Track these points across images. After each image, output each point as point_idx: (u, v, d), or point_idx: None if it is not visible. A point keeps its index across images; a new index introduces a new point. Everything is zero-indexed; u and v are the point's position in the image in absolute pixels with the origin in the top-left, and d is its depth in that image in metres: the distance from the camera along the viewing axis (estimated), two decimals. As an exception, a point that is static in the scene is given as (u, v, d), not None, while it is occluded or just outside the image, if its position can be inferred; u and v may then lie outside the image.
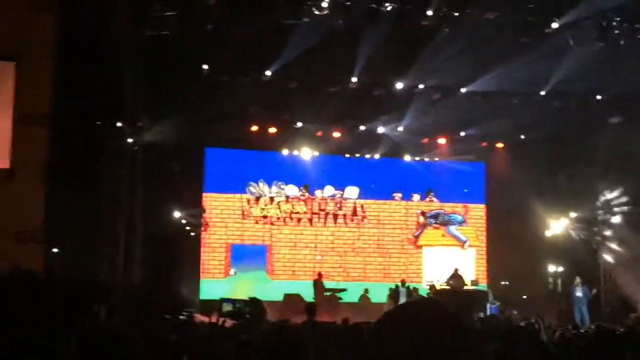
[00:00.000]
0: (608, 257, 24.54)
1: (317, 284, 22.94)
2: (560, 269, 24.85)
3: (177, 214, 23.60)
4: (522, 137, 24.93)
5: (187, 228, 23.87)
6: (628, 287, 23.32)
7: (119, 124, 21.17)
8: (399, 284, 23.50)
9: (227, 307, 18.05)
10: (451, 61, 20.48)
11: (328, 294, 22.82)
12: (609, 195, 24.29)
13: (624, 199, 23.94)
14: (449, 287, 22.87)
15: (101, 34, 17.34)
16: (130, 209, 21.41)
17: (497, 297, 23.49)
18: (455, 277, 23.02)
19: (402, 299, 22.24)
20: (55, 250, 18.73)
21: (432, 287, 23.27)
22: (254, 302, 13.62)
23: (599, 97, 23.01)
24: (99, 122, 19.42)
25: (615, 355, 5.12)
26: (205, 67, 21.18)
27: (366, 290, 23.92)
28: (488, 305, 22.35)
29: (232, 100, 21.37)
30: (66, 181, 16.11)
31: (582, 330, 13.80)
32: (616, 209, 24.41)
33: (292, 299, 21.97)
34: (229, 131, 23.22)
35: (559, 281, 24.49)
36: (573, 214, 25.00)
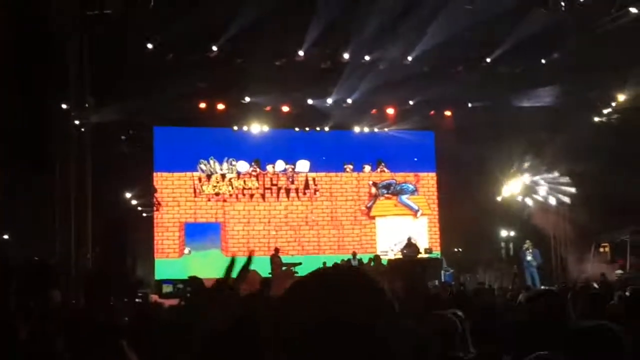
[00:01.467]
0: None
1: (274, 259, 22.84)
2: (512, 233, 25.19)
3: (128, 195, 23.28)
4: (469, 104, 25.09)
5: (139, 209, 23.63)
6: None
7: (64, 106, 20.69)
8: (350, 256, 23.54)
9: (166, 289, 17.87)
10: (396, 31, 20.63)
11: (284, 268, 22.78)
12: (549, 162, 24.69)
13: (560, 170, 24.46)
14: (402, 257, 22.96)
15: (44, 13, 17.01)
16: (80, 192, 20.80)
17: (451, 264, 23.79)
18: (409, 245, 23.16)
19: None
20: (5, 236, 18.50)
21: (377, 257, 23.31)
22: (193, 281, 13.43)
23: (543, 60, 23.26)
24: (43, 104, 18.99)
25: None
26: (149, 45, 20.91)
27: (324, 264, 23.61)
28: (442, 273, 22.56)
29: (179, 78, 21.02)
30: (13, 165, 15.82)
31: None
32: (552, 177, 24.91)
33: (248, 276, 21.88)
34: (177, 109, 22.82)
35: (511, 245, 24.78)
36: (521, 179, 25.34)
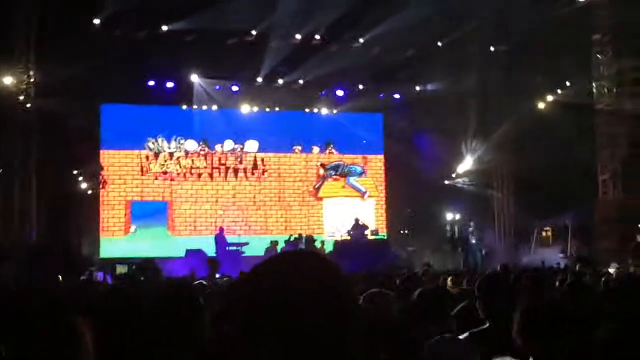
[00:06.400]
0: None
1: (219, 238, 22.82)
2: (457, 216, 25.43)
3: (73, 172, 22.96)
4: (417, 88, 25.29)
5: (84, 186, 23.33)
6: None
7: (7, 81, 20.36)
8: (294, 236, 23.64)
9: (121, 270, 17.84)
10: (348, 11, 20.76)
11: (233, 248, 22.66)
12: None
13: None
14: (349, 238, 23.11)
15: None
16: (24, 169, 20.62)
17: (397, 246, 23.93)
18: (357, 227, 23.19)
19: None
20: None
21: (309, 237, 23.37)
22: (147, 263, 13.41)
23: (492, 48, 23.59)
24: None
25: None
26: (96, 21, 20.63)
27: (272, 243, 23.44)
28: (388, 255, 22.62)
29: (128, 55, 20.93)
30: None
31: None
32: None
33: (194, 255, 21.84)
34: (125, 86, 22.46)
35: (456, 228, 24.99)
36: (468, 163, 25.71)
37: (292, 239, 23.14)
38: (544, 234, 24.33)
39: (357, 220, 23.50)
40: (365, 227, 23.36)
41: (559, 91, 23.82)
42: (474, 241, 23.40)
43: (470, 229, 23.68)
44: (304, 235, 23.65)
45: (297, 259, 1.70)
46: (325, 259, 1.70)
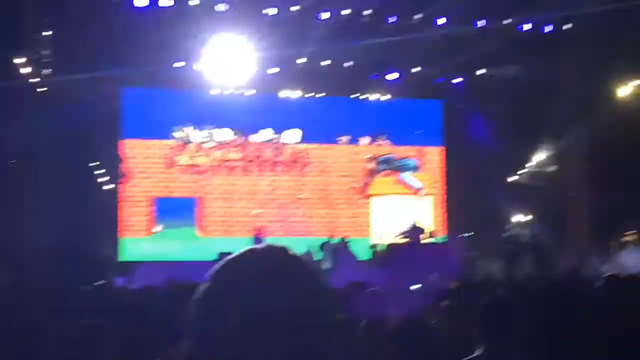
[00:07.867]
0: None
1: (258, 242, 20.69)
2: (529, 217, 23.48)
3: (90, 165, 21.40)
4: (483, 71, 23.31)
5: (101, 180, 21.73)
6: None
7: (18, 60, 18.96)
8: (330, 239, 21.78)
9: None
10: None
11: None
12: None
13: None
14: (404, 241, 20.87)
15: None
16: (34, 161, 19.28)
17: (457, 252, 21.79)
18: (415, 229, 20.94)
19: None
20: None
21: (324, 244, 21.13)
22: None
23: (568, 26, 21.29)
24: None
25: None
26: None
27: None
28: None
29: (153, 32, 19.22)
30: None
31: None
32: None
33: (227, 259, 19.97)
34: (151, 68, 20.50)
35: (524, 232, 22.93)
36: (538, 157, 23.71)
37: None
38: (628, 237, 21.85)
39: (415, 222, 21.17)
40: (421, 230, 21.04)
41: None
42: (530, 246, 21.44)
43: (527, 233, 22.15)
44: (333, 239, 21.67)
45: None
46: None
